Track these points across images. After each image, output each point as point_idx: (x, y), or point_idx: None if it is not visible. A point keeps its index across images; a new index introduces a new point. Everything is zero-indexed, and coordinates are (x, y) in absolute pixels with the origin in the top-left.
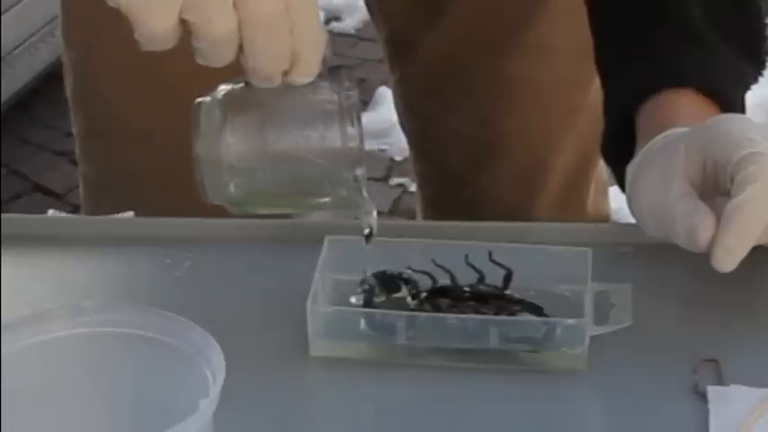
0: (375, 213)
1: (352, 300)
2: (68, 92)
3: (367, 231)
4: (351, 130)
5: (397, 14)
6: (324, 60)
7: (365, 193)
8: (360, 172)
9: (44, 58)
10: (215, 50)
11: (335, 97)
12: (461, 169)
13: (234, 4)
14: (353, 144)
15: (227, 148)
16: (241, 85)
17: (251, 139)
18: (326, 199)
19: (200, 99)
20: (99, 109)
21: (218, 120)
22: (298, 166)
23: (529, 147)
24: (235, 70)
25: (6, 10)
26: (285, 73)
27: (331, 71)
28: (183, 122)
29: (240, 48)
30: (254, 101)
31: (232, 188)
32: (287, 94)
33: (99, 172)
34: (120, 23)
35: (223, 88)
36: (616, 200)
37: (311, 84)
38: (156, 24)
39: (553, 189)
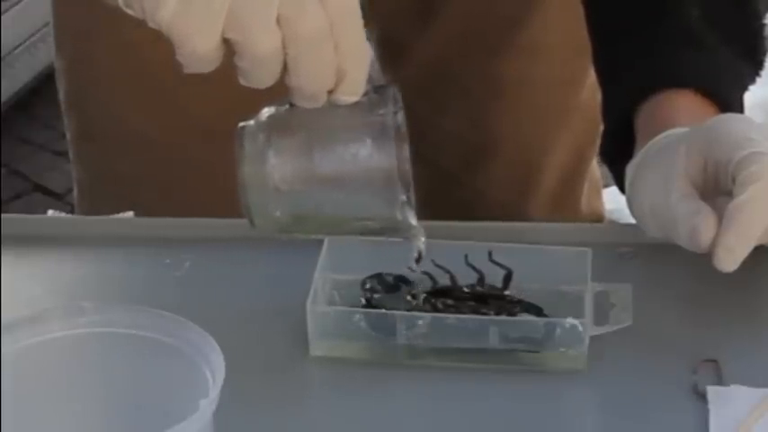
0: (423, 237)
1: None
2: (61, 97)
3: (416, 255)
4: (400, 151)
5: (389, 15)
6: (369, 78)
7: (413, 216)
8: (410, 194)
9: (44, 58)
10: (258, 70)
11: (383, 117)
12: (455, 170)
13: (277, 21)
14: (403, 165)
15: (273, 171)
16: (285, 107)
17: (297, 161)
18: (375, 222)
19: (242, 123)
20: (92, 114)
21: (263, 143)
22: (346, 188)
23: (523, 147)
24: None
25: (6, 10)
26: (330, 92)
27: (377, 90)
28: (176, 126)
29: (284, 67)
30: (299, 122)
31: (279, 213)
32: (332, 115)
33: (93, 176)
34: (111, 29)
35: (266, 111)
36: (614, 200)
37: (356, 103)
38: (199, 44)
39: (547, 188)
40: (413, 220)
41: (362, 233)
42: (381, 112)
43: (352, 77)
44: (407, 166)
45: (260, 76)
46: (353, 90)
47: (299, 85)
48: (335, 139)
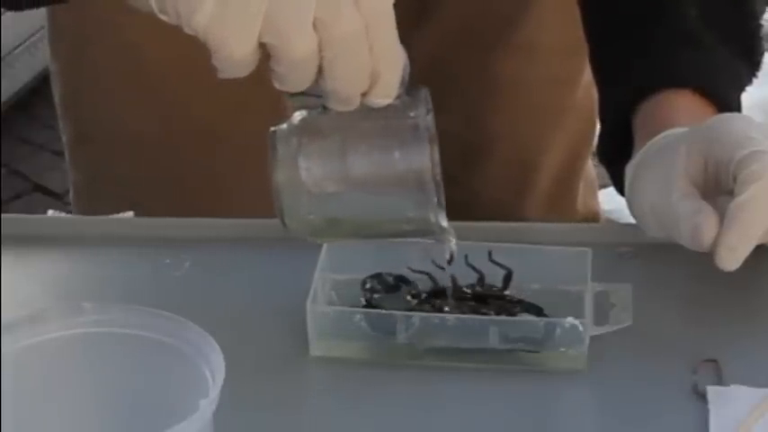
0: (454, 239)
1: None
2: (57, 100)
3: (449, 256)
4: (434, 153)
5: None
6: (402, 81)
7: (444, 217)
8: (440, 195)
9: (44, 58)
10: (294, 73)
11: (415, 119)
12: (451, 169)
13: (313, 25)
14: (435, 166)
15: (307, 174)
16: (317, 110)
17: (331, 164)
18: (408, 224)
19: (274, 128)
20: (88, 116)
21: (296, 147)
22: (380, 190)
23: (518, 146)
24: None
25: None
26: (363, 95)
27: (409, 92)
28: (173, 127)
29: (318, 70)
30: (332, 125)
31: (312, 216)
32: (365, 117)
33: (90, 179)
34: (107, 31)
35: (298, 114)
36: (613, 200)
37: (389, 105)
38: (236, 49)
39: (543, 188)
40: (444, 222)
41: (395, 236)
42: (414, 114)
43: (386, 80)
44: (438, 168)
45: (296, 79)
46: (387, 92)
47: (334, 88)
48: (369, 142)
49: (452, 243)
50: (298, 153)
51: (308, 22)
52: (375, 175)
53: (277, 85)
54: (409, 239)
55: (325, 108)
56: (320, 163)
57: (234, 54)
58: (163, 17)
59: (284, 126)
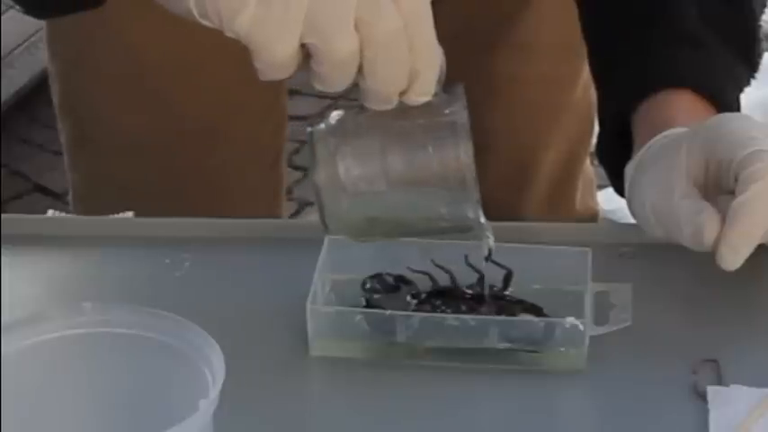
0: (492, 236)
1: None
2: (55, 101)
3: (487, 252)
4: (470, 150)
5: None
6: (439, 78)
7: (481, 214)
8: (477, 192)
9: (44, 58)
10: (336, 74)
11: (453, 115)
12: None
13: (354, 24)
14: (472, 164)
15: (347, 174)
16: (354, 109)
17: (370, 163)
18: (447, 221)
19: (311, 128)
20: (87, 118)
21: (335, 147)
22: (420, 188)
23: (516, 145)
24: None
25: (6, 10)
26: (402, 93)
27: (445, 89)
28: (172, 129)
29: (359, 69)
30: (370, 124)
31: (352, 216)
32: (403, 116)
33: (89, 180)
34: (105, 32)
35: (335, 114)
36: (614, 200)
37: (427, 103)
38: (278, 50)
39: (541, 187)
40: (482, 218)
41: (433, 233)
42: (450, 110)
43: (424, 77)
44: (474, 165)
45: (337, 79)
46: (426, 90)
47: (374, 87)
48: (408, 140)
49: (490, 240)
50: (336, 153)
51: (350, 22)
52: (414, 173)
53: (318, 86)
54: (410, 239)
55: (362, 107)
56: (359, 162)
57: (276, 56)
58: (204, 21)
59: (322, 126)
